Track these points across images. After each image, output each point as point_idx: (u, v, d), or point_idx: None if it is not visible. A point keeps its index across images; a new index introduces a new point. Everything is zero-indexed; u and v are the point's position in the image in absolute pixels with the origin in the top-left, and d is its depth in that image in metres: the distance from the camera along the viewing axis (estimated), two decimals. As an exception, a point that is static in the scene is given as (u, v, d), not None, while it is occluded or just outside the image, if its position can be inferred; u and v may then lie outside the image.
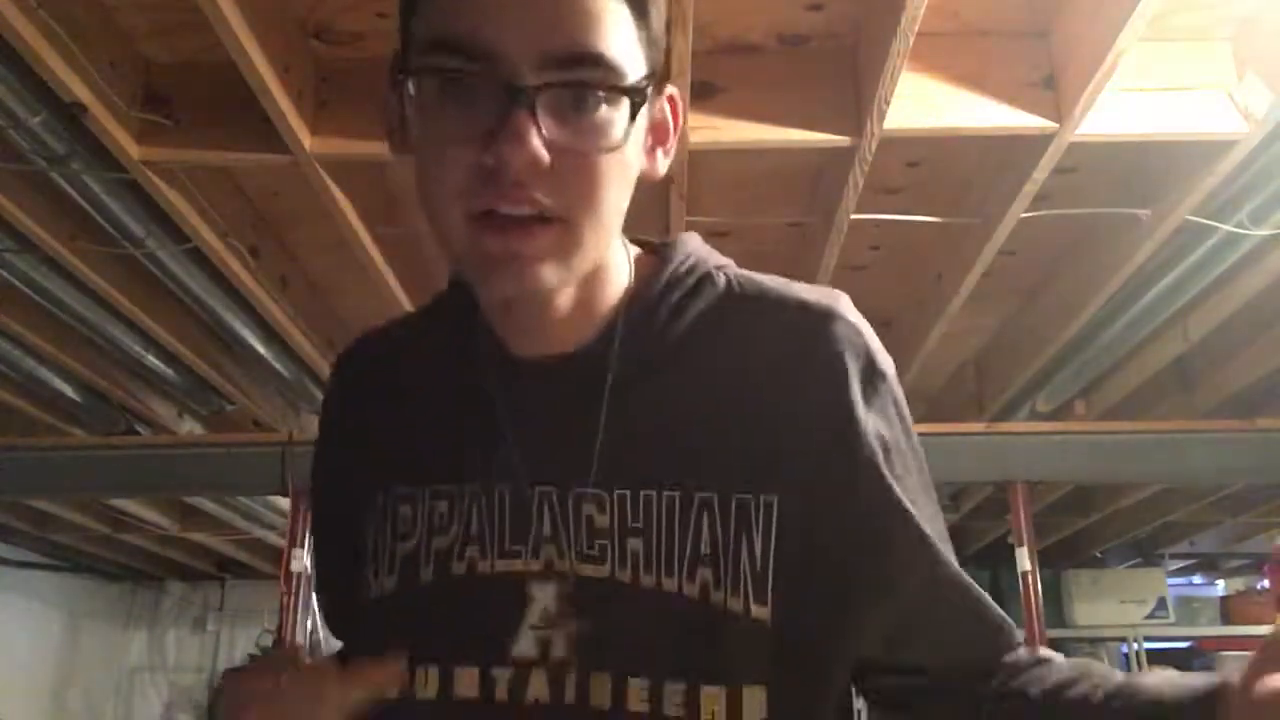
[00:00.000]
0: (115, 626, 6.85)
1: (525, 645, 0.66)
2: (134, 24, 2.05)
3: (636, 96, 0.61)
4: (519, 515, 0.69)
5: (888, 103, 1.99)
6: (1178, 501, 4.76)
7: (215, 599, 6.98)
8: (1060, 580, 5.52)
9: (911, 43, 1.83)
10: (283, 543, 3.83)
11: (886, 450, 0.69)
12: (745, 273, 0.75)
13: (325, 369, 3.36)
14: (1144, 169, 2.39)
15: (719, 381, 0.69)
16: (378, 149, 2.19)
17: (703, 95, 2.08)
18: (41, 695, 6.07)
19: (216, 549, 6.03)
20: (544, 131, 0.58)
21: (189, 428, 4.03)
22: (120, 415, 3.83)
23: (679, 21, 1.77)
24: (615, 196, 0.63)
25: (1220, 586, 6.52)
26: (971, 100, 2.07)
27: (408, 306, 2.91)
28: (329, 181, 2.25)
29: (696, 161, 2.23)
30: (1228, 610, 5.71)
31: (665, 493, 0.67)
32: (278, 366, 3.36)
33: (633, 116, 0.61)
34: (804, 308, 0.71)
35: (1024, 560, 3.43)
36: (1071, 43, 1.99)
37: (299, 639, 3.47)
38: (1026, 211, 2.36)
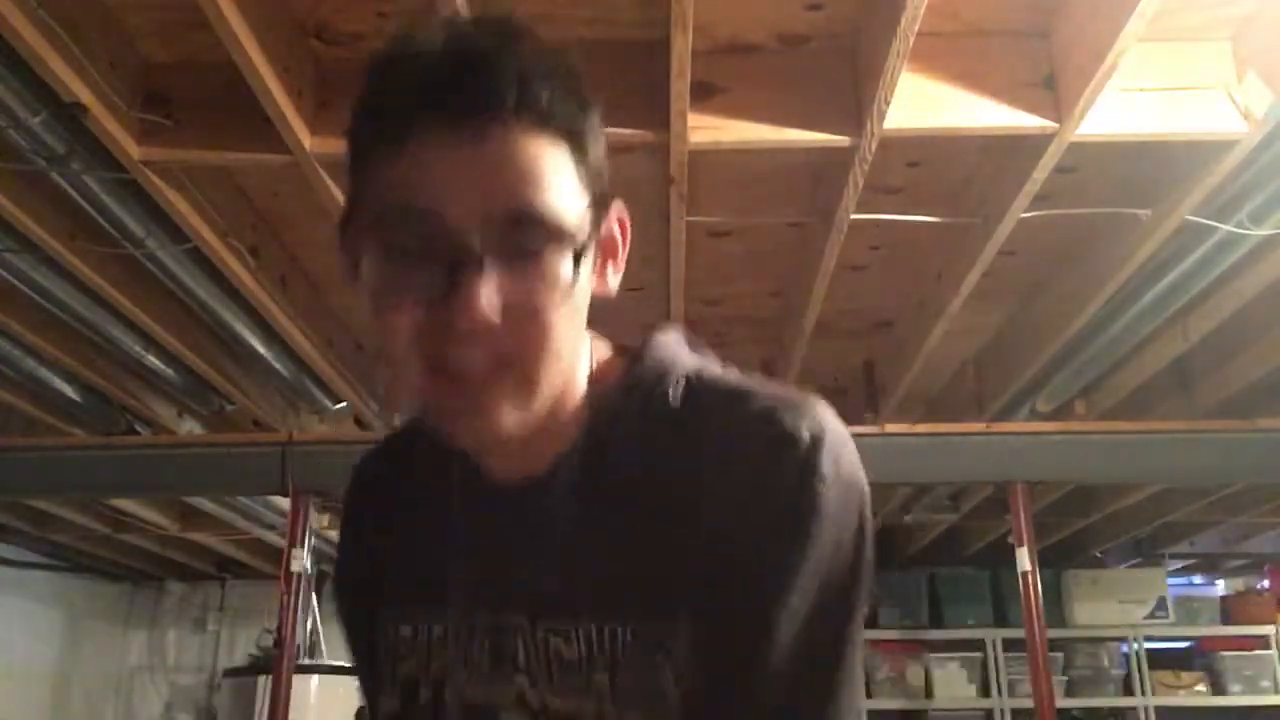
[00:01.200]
0: (115, 626, 6.85)
1: None
2: (134, 24, 2.06)
3: (581, 248, 0.63)
4: (496, 643, 0.70)
5: (888, 103, 1.99)
6: (1178, 501, 4.76)
7: (215, 599, 6.98)
8: (1060, 580, 5.51)
9: (911, 43, 1.83)
10: (283, 543, 3.83)
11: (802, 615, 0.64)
12: (710, 382, 0.71)
13: (325, 369, 3.37)
14: (1144, 169, 2.39)
15: (672, 507, 0.67)
16: (378, 149, 2.19)
17: (703, 95, 2.08)
18: (41, 695, 6.07)
19: (216, 549, 6.03)
20: (494, 292, 0.60)
21: (189, 428, 4.03)
22: (120, 415, 3.83)
23: (679, 21, 1.77)
24: (568, 335, 0.65)
25: (1220, 586, 6.52)
26: (971, 100, 2.07)
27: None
28: (329, 181, 2.25)
29: (696, 161, 2.23)
30: (1228, 610, 5.71)
31: (630, 627, 0.66)
32: (278, 366, 3.36)
33: (577, 263, 0.63)
34: (756, 430, 0.66)
35: (1024, 560, 3.43)
36: (1071, 43, 1.99)
37: (298, 638, 3.47)
38: (1026, 211, 2.36)
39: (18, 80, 1.90)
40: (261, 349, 3.21)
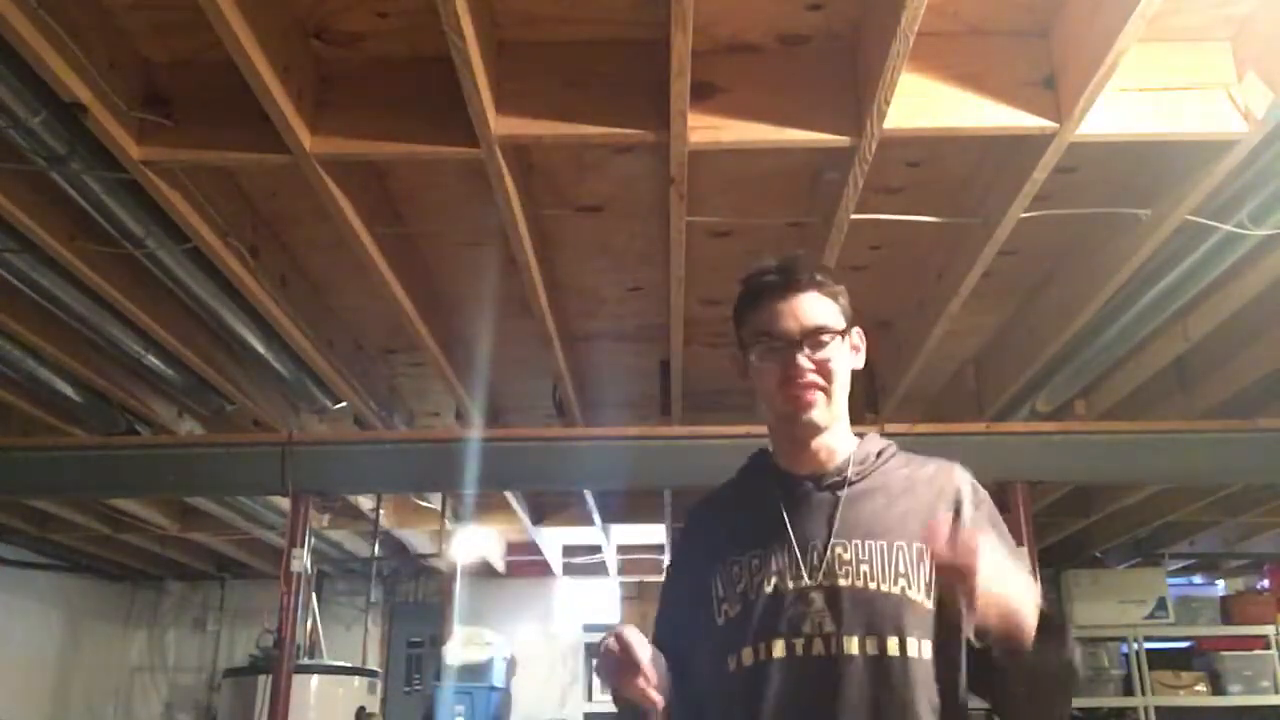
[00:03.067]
0: (115, 626, 6.85)
1: (809, 626, 1.25)
2: (134, 24, 2.06)
3: (840, 335, 1.33)
4: (803, 556, 1.30)
5: (888, 103, 1.99)
6: (1178, 501, 4.76)
7: (215, 599, 6.98)
8: (1060, 580, 5.52)
9: (911, 43, 1.83)
10: (283, 543, 3.83)
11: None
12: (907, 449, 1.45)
13: (325, 369, 3.37)
14: (1144, 169, 2.39)
15: (900, 492, 1.35)
16: (378, 149, 2.20)
17: (703, 95, 2.08)
18: (41, 695, 6.07)
19: (216, 549, 6.04)
20: (809, 358, 1.30)
21: (189, 428, 4.03)
22: (120, 415, 3.82)
23: (679, 21, 1.78)
24: (843, 379, 1.34)
25: (1220, 586, 6.53)
26: (971, 100, 2.07)
27: (407, 306, 2.91)
28: (329, 181, 2.25)
29: (696, 161, 2.23)
30: (1228, 610, 5.71)
31: (878, 541, 1.29)
32: (278, 366, 3.36)
33: (841, 340, 1.33)
34: (943, 465, 1.40)
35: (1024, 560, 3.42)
36: (1071, 43, 1.99)
37: (298, 638, 3.46)
38: (1026, 211, 2.36)
39: (18, 80, 1.90)
40: (261, 349, 3.21)
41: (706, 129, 2.10)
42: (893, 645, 1.22)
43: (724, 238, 2.80)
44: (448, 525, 5.37)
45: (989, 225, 2.45)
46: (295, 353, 3.29)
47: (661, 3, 1.83)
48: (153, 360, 3.28)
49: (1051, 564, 5.45)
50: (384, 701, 6.10)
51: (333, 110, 2.15)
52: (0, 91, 1.90)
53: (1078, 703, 5.26)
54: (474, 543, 5.90)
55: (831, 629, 1.24)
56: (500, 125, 2.09)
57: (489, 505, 5.52)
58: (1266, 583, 6.02)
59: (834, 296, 1.34)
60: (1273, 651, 5.39)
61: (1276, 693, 5.28)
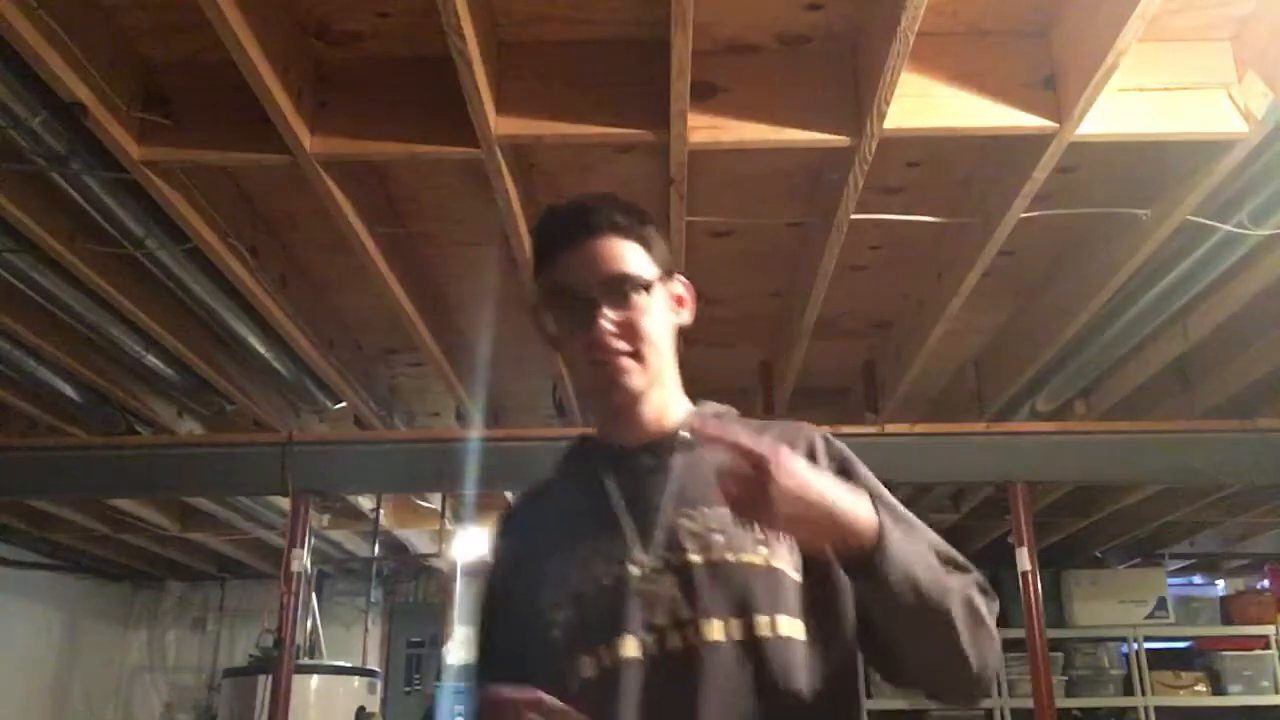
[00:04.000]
0: (115, 626, 6.85)
1: (661, 616, 1.03)
2: (134, 24, 2.06)
3: (650, 288, 1.11)
4: (643, 532, 1.09)
5: (888, 103, 1.99)
6: (1178, 501, 4.76)
7: (215, 599, 6.98)
8: (1060, 580, 5.51)
9: (911, 43, 1.83)
10: (283, 543, 3.83)
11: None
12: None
13: (325, 369, 3.37)
14: (1144, 169, 2.39)
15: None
16: (378, 149, 2.20)
17: (703, 95, 2.08)
18: (41, 695, 6.07)
19: (216, 549, 6.03)
20: (611, 317, 1.08)
21: (189, 428, 4.03)
22: (120, 415, 3.82)
23: (679, 21, 1.78)
24: (660, 338, 1.12)
25: (1220, 586, 6.52)
26: (971, 100, 2.07)
27: (407, 306, 2.92)
28: (329, 181, 2.25)
29: (696, 161, 2.23)
30: (1228, 610, 5.71)
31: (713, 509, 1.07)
32: (278, 366, 3.36)
33: (650, 293, 1.11)
34: (784, 423, 1.19)
35: (1024, 560, 3.42)
36: (1071, 43, 1.99)
37: (298, 638, 3.46)
38: (1026, 211, 2.36)
39: (18, 80, 1.90)
40: (261, 349, 3.21)
41: (706, 129, 2.10)
42: (762, 624, 1.01)
43: (724, 238, 2.79)
44: (448, 525, 5.37)
45: (989, 225, 2.45)
46: (295, 353, 3.30)
47: (661, 3, 1.83)
48: (153, 360, 3.28)
49: (1051, 564, 5.45)
50: (384, 701, 6.09)
51: (333, 110, 2.15)
52: (0, 91, 1.90)
53: (1078, 703, 5.27)
54: (474, 543, 5.90)
55: (688, 614, 1.02)
56: (500, 125, 2.09)
57: (489, 505, 5.52)
58: (1266, 583, 6.01)
59: (641, 241, 1.11)
60: (1273, 651, 5.38)
61: (1276, 693, 5.28)
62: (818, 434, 1.14)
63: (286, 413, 3.93)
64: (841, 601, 1.06)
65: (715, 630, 1.01)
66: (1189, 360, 3.47)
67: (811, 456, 1.09)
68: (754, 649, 1.01)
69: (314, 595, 5.40)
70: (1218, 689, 5.35)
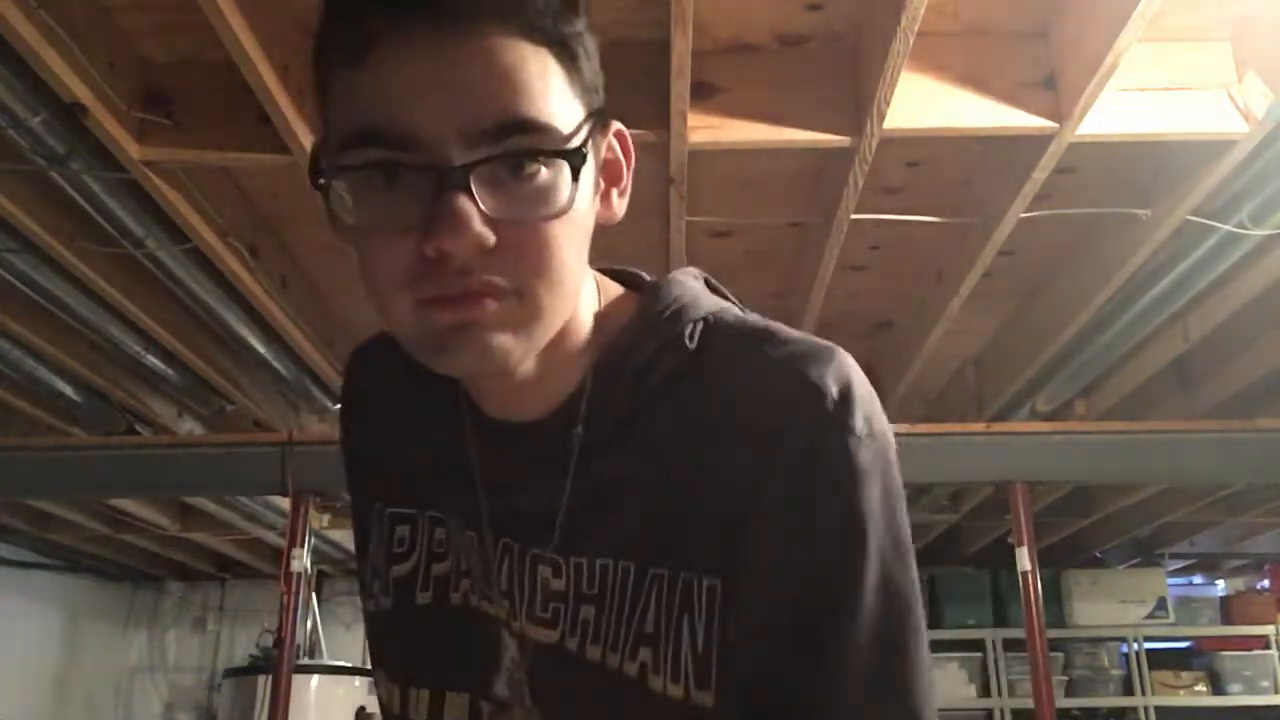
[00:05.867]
0: (115, 626, 6.85)
1: (502, 685, 0.68)
2: (134, 24, 2.06)
3: (574, 157, 0.57)
4: (487, 563, 0.69)
5: (888, 103, 1.99)
6: (1178, 501, 4.76)
7: (215, 599, 6.98)
8: (1060, 580, 5.52)
9: (911, 43, 1.83)
10: (283, 543, 3.83)
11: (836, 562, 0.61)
12: (733, 318, 0.67)
13: (325, 369, 3.37)
14: (1144, 169, 2.39)
15: (679, 448, 0.63)
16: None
17: (703, 95, 2.08)
18: (42, 695, 6.06)
19: (216, 549, 6.03)
20: (483, 209, 0.54)
21: (189, 428, 4.03)
22: (120, 415, 3.82)
23: (679, 21, 1.77)
24: (571, 258, 0.59)
25: (1220, 586, 6.52)
26: (971, 100, 2.07)
27: (408, 306, 2.91)
28: (329, 181, 2.24)
29: (696, 161, 2.23)
30: (1228, 610, 5.71)
31: (621, 563, 0.64)
32: (278, 366, 3.36)
33: (575, 177, 0.57)
34: (777, 370, 0.62)
35: (1024, 560, 3.42)
36: (1071, 43, 1.99)
37: (298, 638, 3.46)
38: (1026, 211, 2.36)
39: (18, 80, 1.90)
40: (261, 349, 3.21)
41: (706, 129, 2.10)
42: None
43: (724, 238, 2.79)
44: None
45: (989, 225, 2.45)
46: (295, 353, 3.29)
47: (661, 3, 1.83)
48: (153, 360, 3.28)
49: (1051, 564, 5.45)
50: (384, 701, 6.09)
51: (333, 110, 2.15)
52: (0, 91, 1.90)
53: (1078, 703, 5.27)
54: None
55: (531, 709, 0.67)
56: (500, 125, 2.09)
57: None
58: (1266, 583, 6.02)
59: (563, 44, 0.58)
60: (1273, 651, 5.39)
61: (1276, 693, 5.28)
62: (818, 401, 0.60)
63: (286, 413, 3.93)
64: None
65: None
66: (1189, 360, 3.47)
67: (774, 452, 0.60)
68: None
69: (314, 595, 5.40)
70: (1218, 689, 5.35)
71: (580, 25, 0.60)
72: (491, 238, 0.54)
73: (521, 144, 0.55)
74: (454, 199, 0.53)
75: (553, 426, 0.66)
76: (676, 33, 1.80)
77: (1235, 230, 2.34)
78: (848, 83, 2.11)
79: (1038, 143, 2.11)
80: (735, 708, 0.61)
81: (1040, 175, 2.19)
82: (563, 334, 0.63)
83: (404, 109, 0.54)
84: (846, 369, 0.62)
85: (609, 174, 0.65)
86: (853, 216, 2.42)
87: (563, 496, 0.65)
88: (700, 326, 0.66)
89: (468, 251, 0.54)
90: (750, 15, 2.04)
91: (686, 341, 0.65)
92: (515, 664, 0.67)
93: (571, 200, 0.57)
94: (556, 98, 0.57)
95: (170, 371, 3.40)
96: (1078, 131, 2.05)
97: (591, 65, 0.61)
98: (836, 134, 2.12)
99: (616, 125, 0.66)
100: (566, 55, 0.58)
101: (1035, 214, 2.39)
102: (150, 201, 2.34)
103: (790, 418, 0.60)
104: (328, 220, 0.59)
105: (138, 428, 3.93)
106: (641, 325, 0.66)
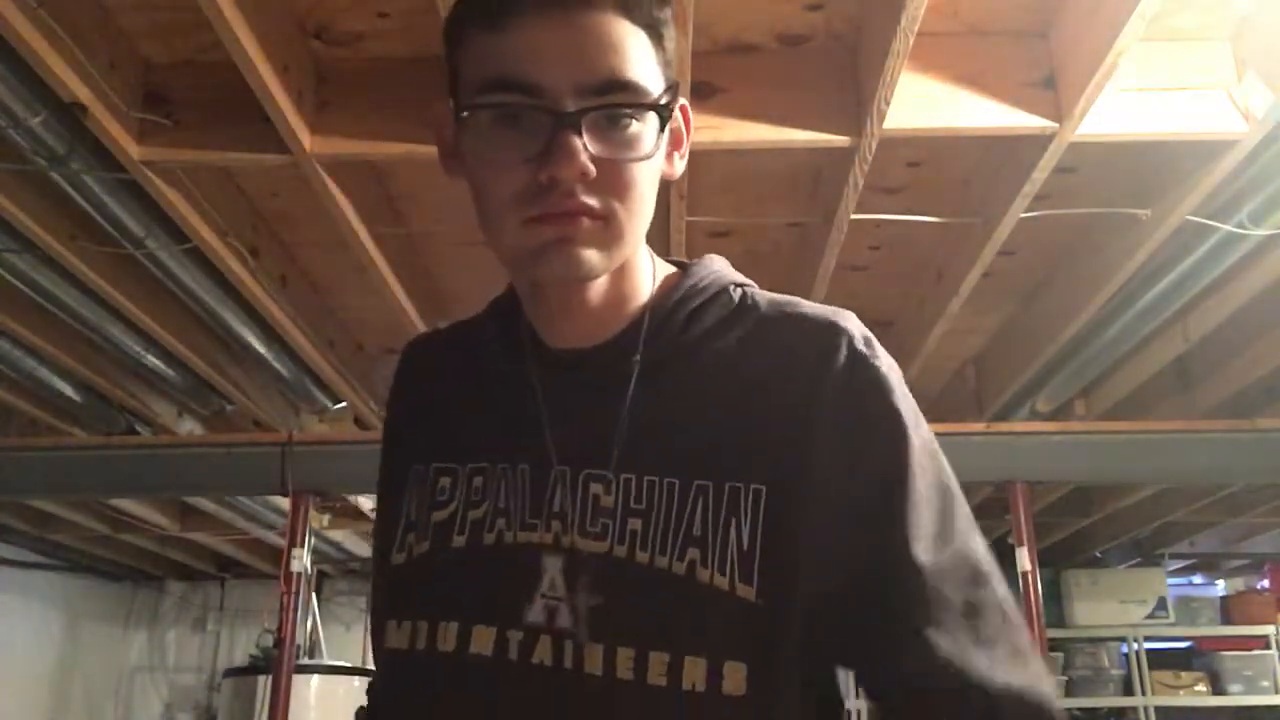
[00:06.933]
0: (115, 626, 6.85)
1: (536, 612, 0.72)
2: (134, 24, 2.06)
3: (662, 112, 0.72)
4: (538, 491, 0.76)
5: (888, 103, 1.99)
6: (1178, 501, 4.76)
7: (215, 599, 6.98)
8: (1060, 580, 5.52)
9: (911, 43, 1.83)
10: (283, 543, 3.83)
11: (883, 462, 0.74)
12: (761, 291, 0.82)
13: (325, 369, 3.37)
14: (1144, 169, 2.39)
15: (726, 381, 0.76)
16: (378, 149, 2.20)
17: (703, 95, 2.08)
18: (41, 695, 6.07)
19: (216, 549, 6.03)
20: (588, 148, 0.68)
21: (189, 428, 4.03)
22: (120, 415, 3.83)
23: (679, 21, 1.77)
24: (647, 196, 0.73)
25: (1220, 586, 6.53)
26: (971, 100, 2.07)
27: (407, 306, 2.91)
28: (329, 181, 2.25)
29: (696, 161, 2.23)
30: (1228, 610, 5.71)
31: (667, 479, 0.73)
32: (278, 366, 3.36)
33: (661, 129, 0.72)
34: (809, 321, 0.77)
35: (1024, 560, 3.43)
36: (1071, 43, 1.99)
37: (298, 638, 3.46)
38: (1026, 211, 2.35)
39: (18, 80, 1.90)
40: (261, 349, 3.21)
41: (706, 129, 2.10)
42: (655, 665, 0.68)
43: (724, 238, 2.79)
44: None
45: (989, 225, 2.45)
46: (295, 353, 3.29)
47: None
48: (153, 360, 3.28)
49: (1051, 564, 5.45)
50: (384, 701, 6.09)
51: (333, 110, 2.15)
52: (0, 91, 1.90)
53: (1078, 703, 5.27)
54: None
55: (568, 625, 0.70)
56: (500, 125, 2.09)
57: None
58: (1266, 583, 6.02)
59: (654, 27, 0.72)
60: (1273, 651, 5.39)
61: (1276, 693, 5.28)
62: (848, 340, 0.75)
63: (286, 413, 3.93)
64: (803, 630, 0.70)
65: (596, 660, 0.69)
66: (1189, 360, 3.47)
67: (818, 380, 0.73)
68: (648, 698, 0.68)
69: (314, 595, 5.40)
70: (1218, 689, 5.35)
71: (668, 14, 0.75)
72: (593, 170, 0.68)
73: (621, 99, 0.69)
74: (568, 136, 0.67)
75: (612, 352, 0.77)
76: (677, 33, 1.80)
77: (1235, 230, 2.34)
78: (848, 83, 2.11)
79: (1038, 143, 2.11)
80: (778, 605, 0.70)
81: (1040, 175, 2.19)
82: (628, 268, 0.77)
83: (533, 65, 0.68)
84: (861, 324, 0.78)
85: (674, 139, 0.79)
86: (853, 216, 2.43)
87: (619, 418, 0.75)
88: (740, 291, 0.81)
89: (574, 178, 0.68)
90: (750, 15, 2.04)
91: (731, 296, 0.80)
92: (554, 585, 0.72)
93: (655, 148, 0.72)
94: (648, 68, 0.71)
95: (170, 371, 3.40)
96: (1078, 131, 2.05)
97: (673, 46, 0.75)
98: (836, 134, 2.11)
99: (683, 100, 0.79)
100: (656, 36, 0.73)
101: (1035, 214, 2.39)
102: (150, 201, 2.34)
103: (831, 351, 0.75)
104: (441, 158, 0.77)
105: (138, 428, 3.93)
106: (691, 282, 0.80)
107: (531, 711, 0.71)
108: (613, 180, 0.69)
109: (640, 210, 0.72)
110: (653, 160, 0.72)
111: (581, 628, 0.71)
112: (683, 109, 0.79)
